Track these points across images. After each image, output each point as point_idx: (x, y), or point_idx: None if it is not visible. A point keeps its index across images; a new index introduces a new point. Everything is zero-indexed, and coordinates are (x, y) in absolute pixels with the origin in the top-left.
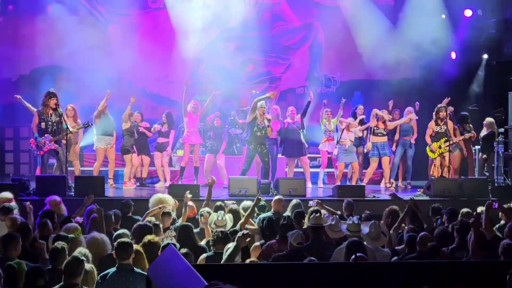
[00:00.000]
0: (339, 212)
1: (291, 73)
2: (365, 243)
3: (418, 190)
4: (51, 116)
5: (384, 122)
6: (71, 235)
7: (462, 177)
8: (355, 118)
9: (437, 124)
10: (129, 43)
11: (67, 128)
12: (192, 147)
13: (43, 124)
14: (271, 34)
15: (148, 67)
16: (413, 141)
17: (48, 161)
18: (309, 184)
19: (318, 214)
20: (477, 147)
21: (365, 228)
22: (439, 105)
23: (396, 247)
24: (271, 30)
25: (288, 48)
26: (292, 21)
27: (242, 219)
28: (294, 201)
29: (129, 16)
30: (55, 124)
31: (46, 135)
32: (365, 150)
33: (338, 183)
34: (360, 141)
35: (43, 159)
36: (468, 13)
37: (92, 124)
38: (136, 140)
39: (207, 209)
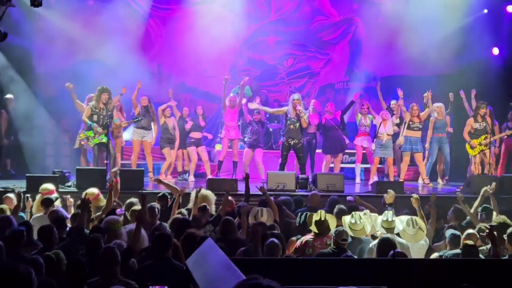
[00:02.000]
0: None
1: (330, 68)
2: (401, 239)
3: (458, 187)
4: (102, 110)
5: (418, 116)
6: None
7: (504, 174)
8: (391, 113)
9: (476, 121)
10: (168, 37)
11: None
12: (230, 142)
13: (94, 117)
14: (311, 28)
15: (187, 61)
16: (450, 130)
17: (99, 153)
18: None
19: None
20: None
21: (400, 225)
22: (479, 102)
23: (435, 244)
24: (311, 24)
25: (327, 43)
26: (332, 16)
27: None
28: (333, 197)
29: (169, 10)
30: (106, 117)
31: (96, 128)
32: (397, 144)
33: (373, 178)
34: (396, 137)
35: (94, 151)
36: (510, 8)
37: (142, 119)
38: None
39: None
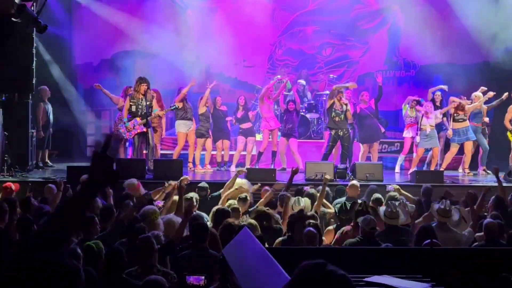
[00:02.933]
0: (416, 198)
1: (369, 57)
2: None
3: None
4: (141, 100)
5: (463, 108)
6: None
7: None
8: (434, 104)
9: None
10: (207, 28)
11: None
12: (270, 133)
13: (133, 107)
14: (349, 17)
15: (225, 51)
16: (486, 120)
17: (139, 144)
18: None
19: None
20: None
21: (455, 215)
22: None
23: (478, 234)
24: (349, 13)
25: (366, 32)
26: (371, 5)
27: (316, 202)
28: (372, 186)
29: (207, 0)
30: (145, 108)
31: (135, 118)
32: (448, 137)
33: (414, 168)
34: (441, 126)
35: (134, 142)
36: None
37: (178, 107)
38: (214, 124)
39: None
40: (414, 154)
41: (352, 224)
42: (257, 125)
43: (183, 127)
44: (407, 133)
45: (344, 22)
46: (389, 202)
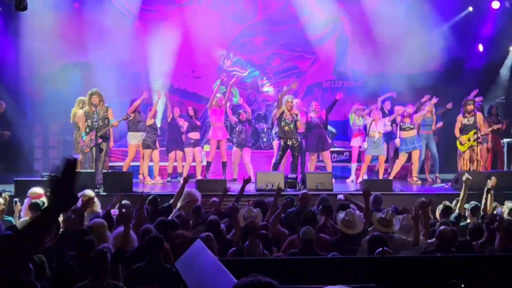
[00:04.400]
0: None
1: (318, 67)
2: (397, 235)
3: (447, 184)
4: (94, 113)
5: (409, 116)
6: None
7: (491, 170)
8: (383, 113)
9: (464, 117)
10: (155, 39)
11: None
12: (218, 143)
13: (89, 122)
14: (297, 28)
15: (174, 62)
16: (439, 126)
17: (97, 156)
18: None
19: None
20: (506, 140)
21: (397, 223)
22: (466, 98)
23: (428, 240)
24: (297, 24)
25: (314, 42)
26: (318, 15)
27: (268, 213)
28: (322, 195)
29: (156, 12)
30: (100, 120)
31: (92, 131)
32: (396, 145)
33: (362, 176)
34: (390, 136)
35: (92, 155)
36: (495, 5)
37: (131, 117)
38: (170, 134)
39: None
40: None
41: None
42: (205, 136)
43: (133, 139)
44: (355, 142)
45: (292, 32)
46: (347, 210)
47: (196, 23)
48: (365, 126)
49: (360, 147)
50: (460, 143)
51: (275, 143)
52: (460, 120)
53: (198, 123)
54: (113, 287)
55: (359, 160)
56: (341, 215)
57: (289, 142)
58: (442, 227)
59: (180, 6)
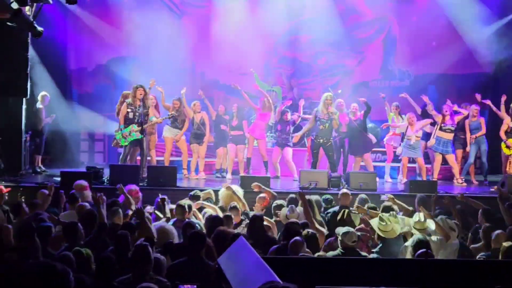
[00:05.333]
0: (411, 208)
1: (365, 66)
2: (434, 238)
3: (493, 187)
4: (139, 107)
5: (451, 118)
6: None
7: None
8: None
9: None
10: (202, 35)
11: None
12: (255, 141)
13: (130, 114)
14: (345, 26)
15: (220, 58)
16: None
17: (132, 150)
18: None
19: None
20: None
21: (432, 226)
22: None
23: (473, 245)
24: (345, 22)
25: (361, 41)
26: (366, 14)
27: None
28: (361, 195)
29: (203, 7)
30: (142, 115)
31: (132, 125)
32: (428, 145)
33: (405, 177)
34: (427, 137)
35: (126, 149)
36: None
37: (175, 115)
38: (216, 131)
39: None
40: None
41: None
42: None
43: (168, 132)
44: (389, 141)
45: (339, 31)
46: (381, 214)
47: (243, 20)
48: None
49: (394, 146)
50: (507, 146)
51: (308, 140)
52: (508, 122)
53: (234, 123)
54: (155, 282)
55: (397, 160)
56: (376, 220)
57: (320, 140)
58: (497, 232)
59: (227, 2)
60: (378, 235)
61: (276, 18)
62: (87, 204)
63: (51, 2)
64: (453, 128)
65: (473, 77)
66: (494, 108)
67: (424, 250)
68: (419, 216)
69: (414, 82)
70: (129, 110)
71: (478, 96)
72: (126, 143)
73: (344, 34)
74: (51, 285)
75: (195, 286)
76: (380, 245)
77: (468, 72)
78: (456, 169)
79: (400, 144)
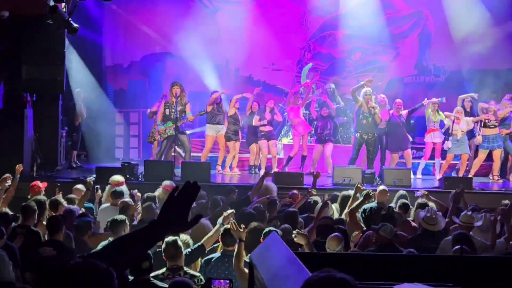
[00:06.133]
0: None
1: (399, 62)
2: (480, 239)
3: None
4: (174, 104)
5: (494, 113)
6: None
7: None
8: (464, 110)
9: None
10: (236, 31)
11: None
12: (301, 138)
13: (167, 111)
14: (380, 22)
15: (255, 54)
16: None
17: (167, 147)
18: (412, 176)
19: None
20: None
21: (478, 221)
22: None
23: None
24: (380, 18)
25: (396, 37)
26: (401, 9)
27: (347, 209)
28: (401, 192)
29: (237, 3)
30: (178, 112)
31: (168, 122)
32: (476, 143)
33: (442, 174)
34: (472, 134)
35: (162, 145)
36: None
37: (207, 112)
38: (249, 128)
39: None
40: (437, 160)
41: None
42: (285, 128)
43: (210, 130)
44: (428, 138)
45: (374, 26)
46: (428, 207)
47: (277, 15)
48: (441, 123)
49: (433, 143)
50: None
51: (353, 138)
52: None
53: (269, 116)
54: (190, 277)
55: (431, 157)
56: (422, 212)
57: (365, 136)
58: None
59: None
60: (421, 227)
61: (310, 13)
62: (129, 200)
63: None
64: (497, 124)
65: (509, 72)
66: None
67: (459, 246)
68: (431, 211)
69: (450, 78)
70: (165, 107)
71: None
72: (161, 139)
73: (379, 29)
74: (96, 286)
75: (228, 281)
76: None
77: (503, 67)
78: (497, 165)
79: (444, 140)
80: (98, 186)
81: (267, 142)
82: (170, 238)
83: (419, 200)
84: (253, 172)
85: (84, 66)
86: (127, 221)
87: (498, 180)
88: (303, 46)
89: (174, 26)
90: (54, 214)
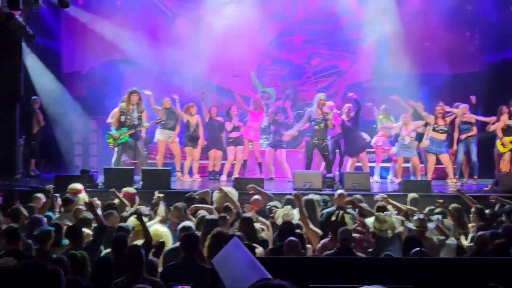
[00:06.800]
0: (404, 208)
1: (358, 67)
2: (434, 238)
3: (486, 186)
4: (131, 111)
5: (443, 118)
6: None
7: None
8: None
9: (510, 118)
10: (195, 37)
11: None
12: (250, 142)
13: (122, 118)
14: (338, 27)
15: (214, 60)
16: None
17: (122, 154)
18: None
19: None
20: None
21: (431, 224)
22: None
23: (469, 244)
24: (338, 23)
25: (355, 42)
26: (359, 15)
27: (301, 216)
28: (356, 196)
29: (196, 10)
30: (134, 119)
31: (123, 128)
32: (421, 146)
33: (399, 177)
34: (420, 137)
35: (117, 151)
36: None
37: (163, 121)
38: (209, 133)
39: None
40: (392, 164)
41: (330, 236)
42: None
43: (161, 135)
44: (378, 142)
45: (332, 32)
46: (377, 214)
47: (236, 21)
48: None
49: (382, 147)
50: (503, 145)
51: (303, 140)
52: (505, 120)
53: (237, 123)
54: (150, 283)
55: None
56: (371, 219)
57: (316, 141)
58: (480, 233)
59: (220, 4)
60: (374, 235)
61: (269, 19)
62: (83, 207)
63: (42, 6)
64: (446, 129)
65: (466, 77)
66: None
67: (418, 248)
68: (419, 215)
69: (407, 82)
70: (121, 113)
71: (473, 99)
72: (116, 145)
73: (338, 35)
74: (41, 285)
75: (189, 287)
76: (375, 246)
77: (461, 71)
78: (450, 169)
79: (390, 145)
80: (58, 195)
81: (235, 148)
82: (132, 245)
83: (379, 204)
84: (214, 178)
85: (46, 73)
86: (81, 229)
87: (456, 182)
88: (262, 52)
89: (132, 32)
90: (14, 223)
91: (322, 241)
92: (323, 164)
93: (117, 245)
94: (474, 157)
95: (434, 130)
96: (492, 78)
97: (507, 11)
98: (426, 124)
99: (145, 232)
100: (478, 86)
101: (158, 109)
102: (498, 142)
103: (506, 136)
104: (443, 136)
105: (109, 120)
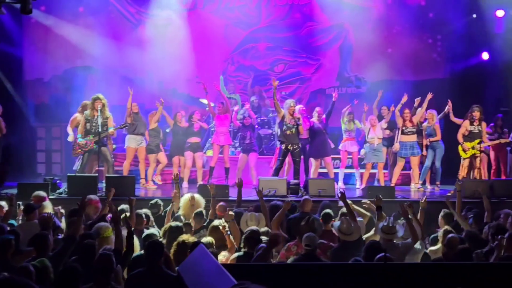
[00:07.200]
0: (368, 214)
1: (321, 73)
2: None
3: (449, 192)
4: (96, 118)
5: (411, 120)
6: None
7: (492, 178)
8: (382, 119)
9: (471, 124)
10: (159, 44)
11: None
12: (221, 148)
13: (87, 125)
14: (301, 34)
15: (178, 67)
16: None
17: (88, 161)
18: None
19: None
20: (508, 148)
21: (401, 229)
22: (474, 105)
23: (431, 248)
24: (301, 30)
25: (318, 49)
26: (323, 22)
27: (273, 221)
28: (325, 202)
29: (159, 17)
30: (99, 126)
31: (88, 135)
32: (393, 150)
33: (365, 184)
34: (390, 142)
35: (83, 158)
36: (500, 13)
37: (128, 125)
38: (173, 140)
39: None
40: (356, 170)
41: (296, 239)
42: (209, 141)
43: (131, 142)
44: (343, 147)
45: (296, 39)
46: (343, 217)
47: (200, 28)
48: (357, 131)
49: (347, 151)
50: (463, 150)
51: (277, 149)
52: (466, 126)
53: (198, 127)
54: None
55: (349, 166)
56: (337, 222)
57: (290, 147)
58: (450, 235)
59: (183, 11)
60: (339, 238)
61: (232, 26)
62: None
63: (4, 12)
64: (414, 130)
65: (429, 83)
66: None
67: (382, 254)
68: (388, 220)
69: (371, 89)
70: (86, 121)
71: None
72: (82, 153)
73: (301, 41)
74: None
75: None
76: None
77: (424, 78)
78: (416, 172)
79: (358, 146)
80: (20, 203)
81: (193, 154)
82: (102, 253)
83: (343, 210)
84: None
85: (3, 81)
86: (49, 237)
87: (419, 188)
88: (226, 59)
89: (96, 39)
90: None
91: (287, 244)
92: (290, 171)
93: (85, 253)
94: (438, 162)
95: (403, 133)
96: (455, 84)
97: (470, 19)
98: (391, 128)
99: (117, 239)
100: (441, 92)
101: (130, 111)
102: (459, 147)
103: (467, 141)
104: (413, 138)
105: (69, 127)
